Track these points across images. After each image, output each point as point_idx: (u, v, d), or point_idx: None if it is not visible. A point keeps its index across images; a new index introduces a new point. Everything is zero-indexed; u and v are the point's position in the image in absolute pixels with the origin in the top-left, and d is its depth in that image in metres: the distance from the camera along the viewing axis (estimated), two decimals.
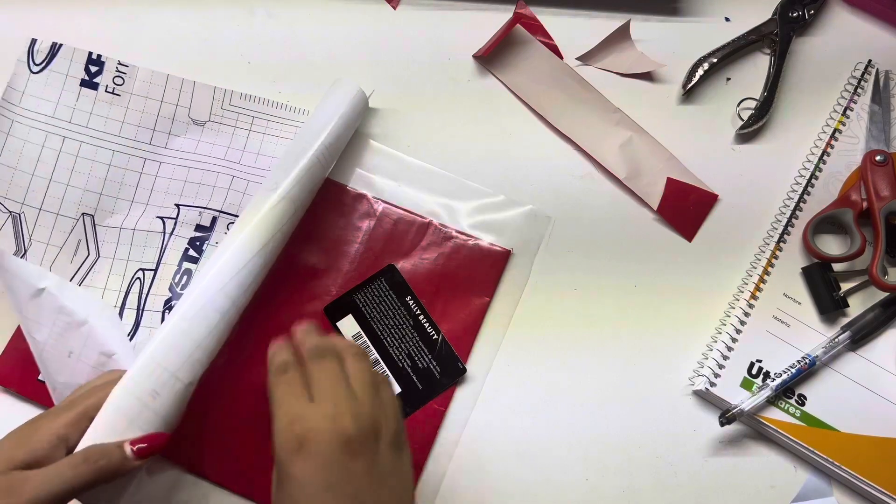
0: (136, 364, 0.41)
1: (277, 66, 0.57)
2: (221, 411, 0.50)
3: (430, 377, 0.50)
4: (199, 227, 0.52)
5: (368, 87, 0.57)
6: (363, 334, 0.51)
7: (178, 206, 0.52)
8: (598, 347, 0.53)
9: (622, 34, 0.58)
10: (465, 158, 0.56)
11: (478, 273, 0.53)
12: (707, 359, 0.52)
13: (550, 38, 0.59)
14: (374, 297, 0.52)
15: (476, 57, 0.58)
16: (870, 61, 0.59)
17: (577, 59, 0.59)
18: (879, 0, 0.60)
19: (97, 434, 0.40)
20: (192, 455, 0.49)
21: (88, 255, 0.50)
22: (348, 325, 0.51)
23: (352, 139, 0.55)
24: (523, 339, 0.53)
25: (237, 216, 0.52)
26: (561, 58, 0.58)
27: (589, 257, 0.55)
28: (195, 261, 0.51)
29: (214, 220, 0.52)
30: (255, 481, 0.49)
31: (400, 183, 0.55)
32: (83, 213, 0.51)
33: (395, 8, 0.59)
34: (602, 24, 0.58)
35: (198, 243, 0.51)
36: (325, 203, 0.54)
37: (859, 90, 0.58)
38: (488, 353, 0.52)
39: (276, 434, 0.38)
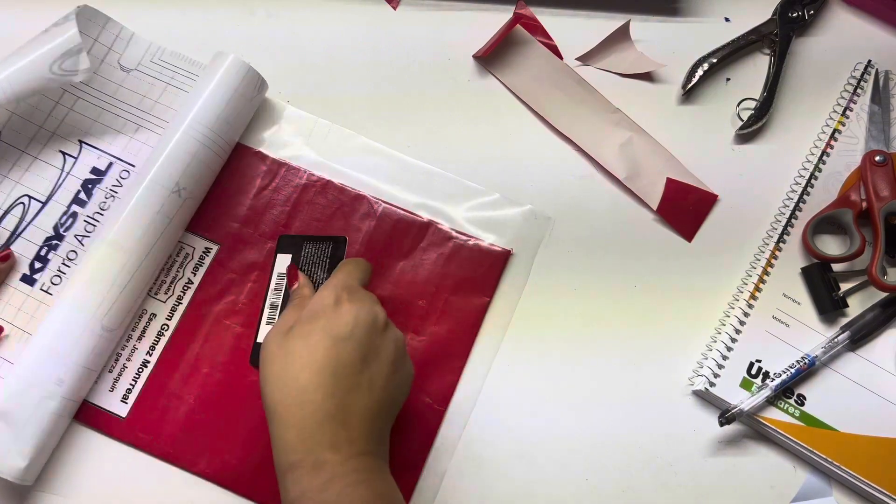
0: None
1: (277, 67, 0.57)
2: (220, 411, 0.50)
3: None
4: (94, 170, 0.53)
5: (370, 87, 0.57)
6: (283, 276, 0.52)
7: (81, 142, 0.53)
8: (597, 347, 0.53)
9: (622, 34, 0.58)
10: (464, 158, 0.56)
11: (478, 273, 0.53)
12: (707, 359, 0.52)
13: (550, 38, 0.59)
14: (313, 255, 0.52)
15: (476, 57, 0.58)
16: (870, 61, 0.59)
17: (577, 59, 0.59)
18: (879, 0, 0.60)
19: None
20: (193, 455, 0.49)
21: None
22: (281, 262, 0.52)
23: (352, 141, 0.55)
24: (523, 339, 0.53)
25: (133, 165, 0.53)
26: (561, 58, 0.58)
27: (589, 257, 0.55)
28: (83, 204, 0.52)
29: (111, 165, 0.53)
30: (255, 481, 0.49)
31: (400, 183, 0.55)
32: None
33: (395, 8, 0.59)
34: (602, 24, 0.58)
35: (90, 186, 0.53)
36: (326, 204, 0.54)
37: (859, 90, 0.58)
38: (488, 353, 0.52)
39: (326, 287, 0.44)
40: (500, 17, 0.58)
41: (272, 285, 0.52)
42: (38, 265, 0.51)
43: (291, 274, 0.51)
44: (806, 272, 0.54)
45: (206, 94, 0.51)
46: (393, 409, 0.43)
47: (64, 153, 0.53)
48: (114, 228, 0.48)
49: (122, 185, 0.53)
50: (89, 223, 0.52)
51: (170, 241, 0.51)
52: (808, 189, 0.56)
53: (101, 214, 0.52)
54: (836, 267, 0.54)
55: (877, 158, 0.54)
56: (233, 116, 0.52)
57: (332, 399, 0.39)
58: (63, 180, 0.53)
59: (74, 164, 0.53)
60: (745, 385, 0.52)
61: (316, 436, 0.39)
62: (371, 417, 0.41)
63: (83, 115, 0.54)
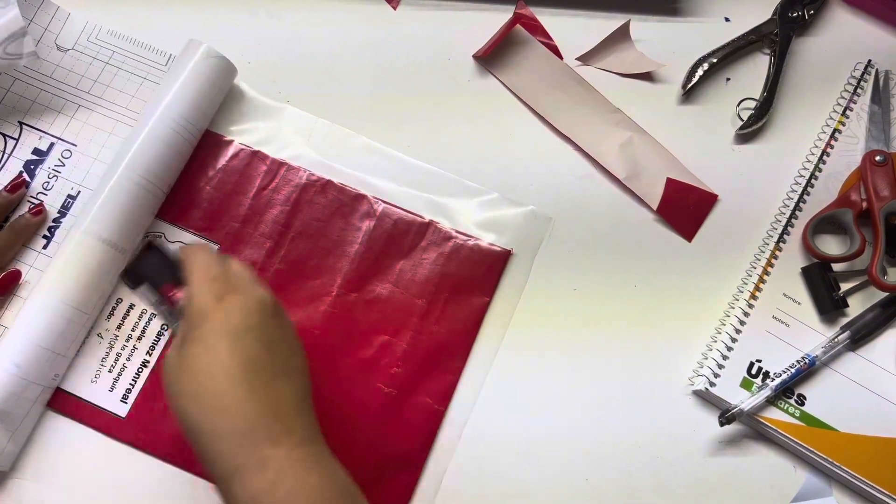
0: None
1: (277, 66, 0.57)
2: None
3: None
4: (36, 151, 0.53)
5: (370, 87, 0.57)
6: (165, 300, 0.47)
7: (21, 123, 0.54)
8: (597, 347, 0.53)
9: (622, 34, 0.58)
10: (465, 158, 0.56)
11: (478, 273, 0.53)
12: (707, 359, 0.52)
13: (550, 38, 0.59)
14: (155, 269, 0.47)
15: (476, 57, 0.58)
16: (870, 61, 0.59)
17: (577, 59, 0.59)
18: (879, 0, 0.60)
19: None
20: (193, 455, 0.49)
21: None
22: (147, 293, 0.48)
23: (352, 141, 0.55)
24: (523, 339, 0.53)
25: (75, 145, 0.53)
26: (561, 58, 0.58)
27: (589, 257, 0.55)
28: (26, 185, 0.52)
29: (52, 145, 0.54)
30: None
31: (400, 183, 0.55)
32: None
33: (395, 8, 0.59)
34: (602, 24, 0.58)
35: (32, 167, 0.53)
36: (326, 204, 0.54)
37: (859, 90, 0.58)
38: (488, 353, 0.52)
39: (195, 287, 0.41)
40: (500, 17, 0.58)
41: (167, 316, 0.46)
42: None
43: (170, 300, 0.45)
44: (806, 272, 0.54)
45: (177, 84, 0.51)
46: (309, 388, 0.41)
47: (4, 135, 0.53)
48: (89, 217, 0.49)
49: (64, 165, 0.53)
50: (32, 203, 0.52)
51: (142, 230, 0.51)
52: (808, 189, 0.56)
53: (45, 195, 0.52)
54: (837, 267, 0.54)
55: (877, 158, 0.54)
56: (206, 105, 0.52)
57: (254, 395, 0.38)
58: (5, 162, 0.53)
59: (16, 145, 0.53)
60: (746, 385, 0.52)
61: (250, 436, 0.37)
62: (299, 403, 0.39)
63: (21, 97, 0.54)
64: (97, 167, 0.53)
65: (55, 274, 0.48)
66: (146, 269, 0.47)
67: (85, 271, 0.48)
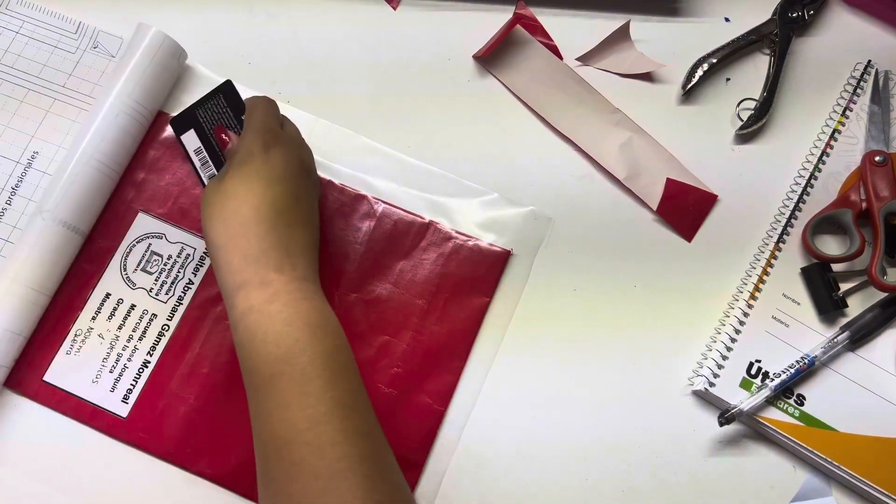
0: None
1: (277, 66, 0.57)
2: (220, 411, 0.50)
3: None
4: None
5: (370, 87, 0.57)
6: (203, 150, 0.53)
7: None
8: (597, 347, 0.53)
9: (622, 34, 0.58)
10: (465, 159, 0.56)
11: (478, 273, 0.53)
12: (706, 359, 0.53)
13: (550, 38, 0.59)
14: (213, 114, 0.53)
15: (476, 57, 0.58)
16: (869, 61, 0.59)
17: (577, 59, 0.59)
18: (879, 0, 0.60)
19: None
20: (193, 455, 0.49)
21: None
22: (190, 140, 0.53)
23: (353, 141, 0.55)
24: (523, 339, 0.53)
25: None
26: (561, 58, 0.58)
27: (589, 257, 0.55)
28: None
29: None
30: (255, 481, 0.49)
31: (400, 183, 0.55)
32: None
33: (395, 8, 0.59)
34: (602, 25, 0.58)
35: None
36: (326, 204, 0.54)
37: (859, 90, 0.58)
38: (488, 353, 0.52)
39: (250, 134, 0.46)
40: (500, 17, 0.58)
41: (198, 164, 0.53)
42: None
43: (221, 140, 0.52)
44: (806, 272, 0.54)
45: (129, 69, 0.52)
46: (318, 243, 0.47)
47: None
48: (51, 200, 0.49)
49: None
50: None
51: (98, 211, 0.52)
52: (808, 189, 0.56)
53: None
54: (836, 267, 0.54)
55: (876, 158, 0.54)
56: (157, 88, 0.53)
57: (274, 231, 0.43)
58: None
59: None
60: (745, 385, 0.52)
61: (262, 259, 0.43)
62: (308, 250, 0.45)
63: None
64: (9, 134, 0.54)
65: (20, 259, 0.49)
66: (203, 111, 0.53)
67: (46, 254, 0.49)
